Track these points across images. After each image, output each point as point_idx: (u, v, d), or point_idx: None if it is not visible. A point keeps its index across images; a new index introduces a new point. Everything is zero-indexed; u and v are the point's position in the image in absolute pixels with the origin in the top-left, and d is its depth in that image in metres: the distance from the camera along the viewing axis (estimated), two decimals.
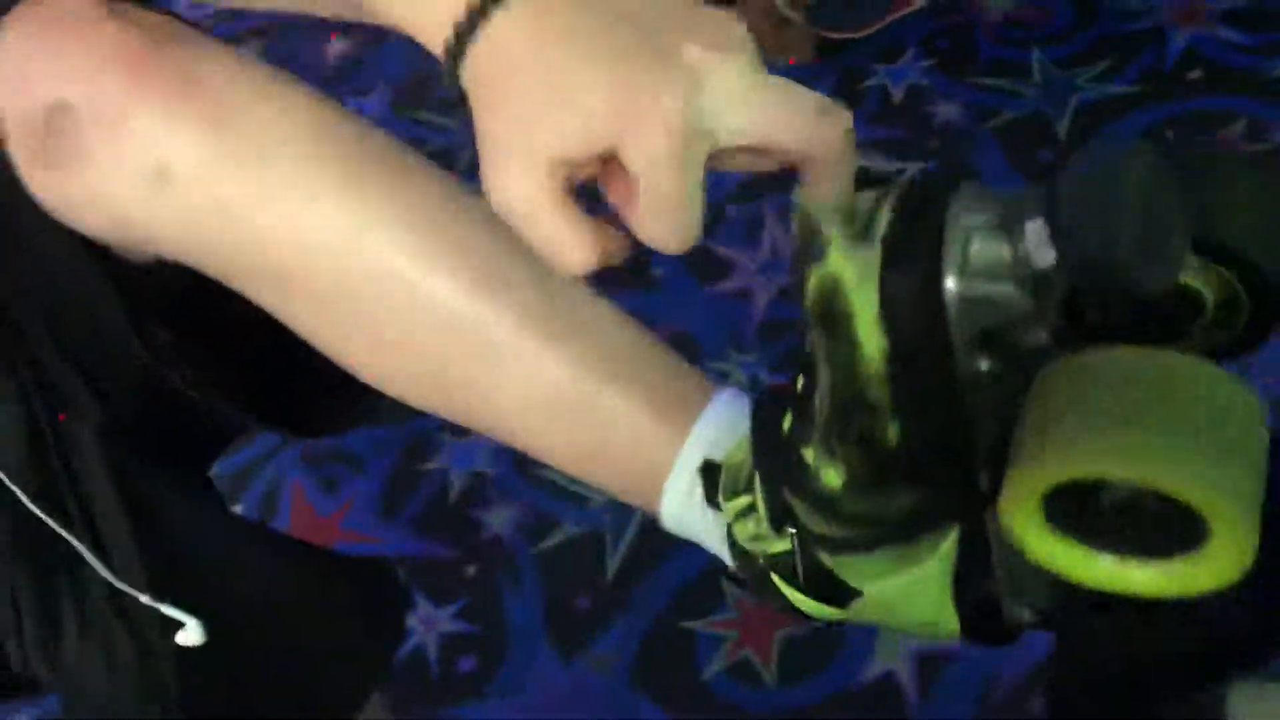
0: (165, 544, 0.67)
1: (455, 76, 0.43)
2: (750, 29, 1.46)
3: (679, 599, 1.13)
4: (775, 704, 1.06)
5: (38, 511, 0.63)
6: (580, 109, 0.41)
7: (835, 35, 1.55)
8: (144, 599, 0.64)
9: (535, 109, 0.41)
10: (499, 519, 1.24)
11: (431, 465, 1.29)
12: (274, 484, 1.32)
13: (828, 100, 0.43)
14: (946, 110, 1.49)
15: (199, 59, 0.55)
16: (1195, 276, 0.46)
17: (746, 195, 1.42)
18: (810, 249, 0.45)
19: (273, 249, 0.55)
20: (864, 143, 1.49)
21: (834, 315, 0.44)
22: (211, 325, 0.63)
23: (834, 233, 0.44)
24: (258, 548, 0.75)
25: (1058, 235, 0.41)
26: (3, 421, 0.64)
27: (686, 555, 1.13)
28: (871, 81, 1.55)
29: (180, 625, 0.65)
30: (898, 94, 1.53)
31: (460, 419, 0.59)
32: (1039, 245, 0.42)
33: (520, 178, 0.42)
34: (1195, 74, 1.42)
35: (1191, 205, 0.43)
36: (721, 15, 0.43)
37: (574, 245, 0.42)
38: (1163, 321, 0.46)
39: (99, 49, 0.54)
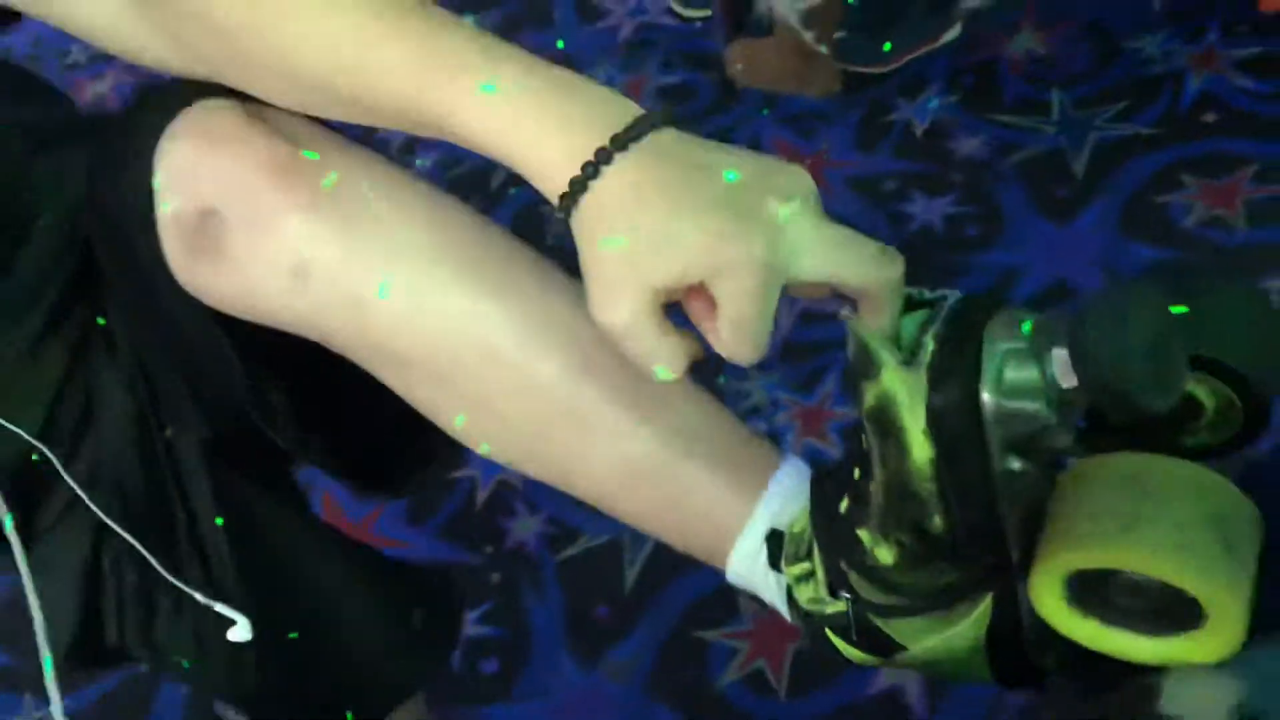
0: (255, 543, 0.74)
1: (566, 217, 0.50)
2: (780, 62, 1.51)
3: (694, 610, 1.16)
4: (786, 714, 1.08)
5: (121, 532, 0.70)
6: (683, 250, 0.48)
7: (861, 70, 1.58)
8: (199, 597, 0.71)
9: (643, 248, 0.48)
10: (523, 527, 1.27)
11: (460, 474, 1.32)
12: (304, 488, 1.34)
13: (884, 246, 0.50)
14: (968, 145, 1.52)
15: (334, 163, 0.60)
16: (1196, 387, 0.53)
17: None
18: (865, 367, 0.51)
19: (396, 335, 0.60)
20: (887, 175, 1.52)
21: (888, 425, 0.51)
22: (319, 386, 0.68)
23: (886, 356, 0.51)
24: (336, 549, 0.82)
25: (1079, 363, 0.48)
26: (116, 437, 0.71)
27: (702, 569, 1.16)
28: (896, 115, 1.58)
29: (256, 618, 0.71)
30: (921, 128, 1.56)
31: (548, 480, 0.64)
32: (1064, 370, 0.49)
33: (628, 303, 0.49)
34: (1210, 118, 1.45)
35: (1191, 331, 0.50)
36: (795, 170, 0.50)
37: (669, 356, 0.50)
38: (1169, 424, 0.53)
39: (248, 162, 0.59)
